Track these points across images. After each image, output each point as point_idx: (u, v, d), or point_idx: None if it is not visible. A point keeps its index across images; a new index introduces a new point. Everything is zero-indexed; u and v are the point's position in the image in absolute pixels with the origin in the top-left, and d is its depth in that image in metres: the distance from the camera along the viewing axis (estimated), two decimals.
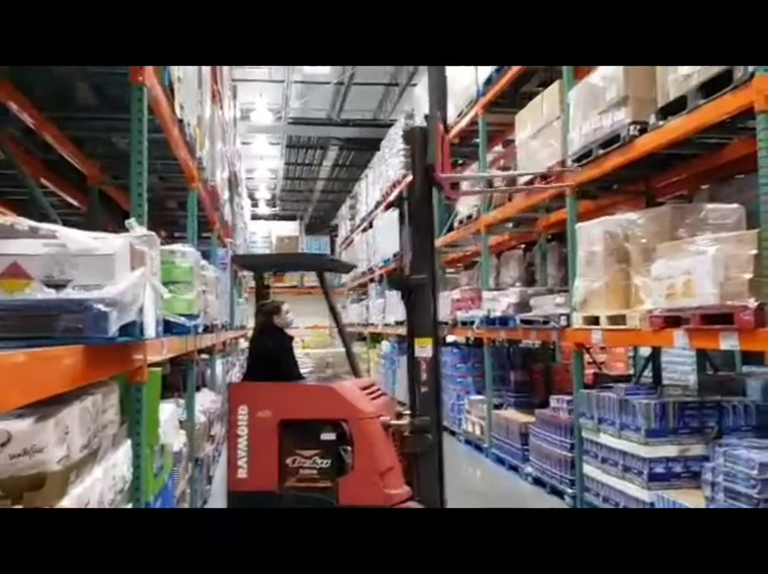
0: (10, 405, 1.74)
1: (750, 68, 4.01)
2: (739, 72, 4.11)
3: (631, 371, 9.73)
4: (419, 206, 4.90)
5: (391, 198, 14.30)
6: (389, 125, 15.87)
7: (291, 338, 5.05)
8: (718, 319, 4.20)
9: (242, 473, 4.46)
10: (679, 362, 9.81)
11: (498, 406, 8.83)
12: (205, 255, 6.48)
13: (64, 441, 2.14)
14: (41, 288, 2.37)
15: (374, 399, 4.72)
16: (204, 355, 8.02)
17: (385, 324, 15.16)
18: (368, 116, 19.17)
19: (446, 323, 9.87)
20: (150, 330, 2.74)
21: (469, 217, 9.61)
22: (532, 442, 7.33)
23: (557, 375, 8.85)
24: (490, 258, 9.71)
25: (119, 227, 6.19)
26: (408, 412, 4.86)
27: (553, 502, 6.59)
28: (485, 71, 8.54)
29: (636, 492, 5.10)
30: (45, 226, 2.57)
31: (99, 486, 2.44)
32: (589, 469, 5.94)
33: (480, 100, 8.71)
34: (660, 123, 4.99)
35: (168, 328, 3.84)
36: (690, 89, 4.59)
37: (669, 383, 7.89)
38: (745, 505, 4.10)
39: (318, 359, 16.13)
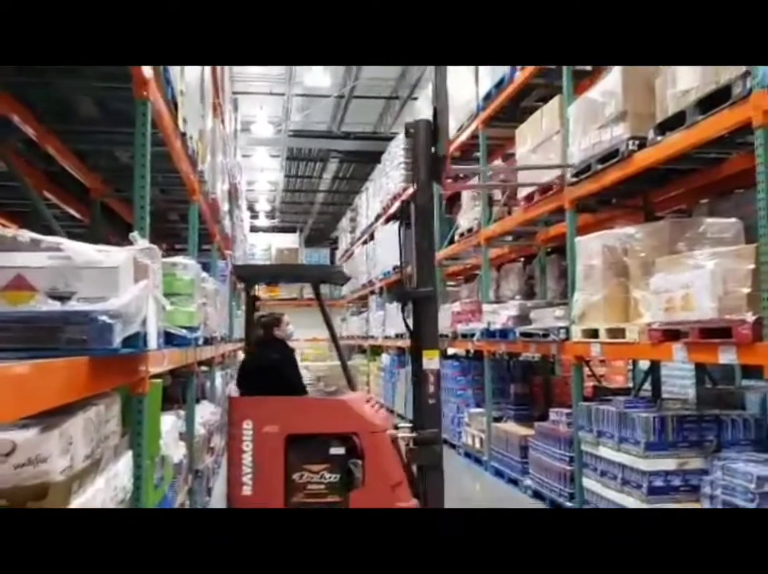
0: (16, 415, 1.76)
1: (748, 84, 4.06)
2: (738, 88, 4.15)
3: (630, 385, 9.73)
4: (424, 208, 4.83)
5: (392, 210, 14.35)
6: (389, 138, 15.95)
7: (293, 350, 5.05)
8: (716, 333, 4.22)
9: (246, 490, 4.38)
10: (679, 376, 9.82)
11: (497, 419, 8.84)
12: (206, 267, 6.52)
13: (68, 451, 2.15)
14: (45, 300, 2.40)
15: (375, 412, 4.73)
16: (203, 368, 8.03)
17: (386, 337, 15.17)
18: (368, 129, 19.27)
19: (446, 335, 9.89)
20: (153, 342, 2.77)
21: (469, 230, 9.65)
22: (532, 454, 7.33)
23: (556, 388, 8.85)
24: (490, 271, 9.75)
25: (122, 239, 6.24)
26: (407, 424, 4.86)
27: None
28: (485, 86, 8.61)
29: (635, 505, 5.10)
30: (49, 239, 2.60)
31: (100, 496, 2.45)
32: (589, 482, 5.95)
33: (480, 115, 8.77)
34: (659, 138, 5.03)
35: (169, 339, 3.86)
36: (688, 105, 4.63)
37: (668, 396, 7.89)
38: None
39: (312, 371, 16.07)
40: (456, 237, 10.33)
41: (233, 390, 8.98)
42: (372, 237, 17.30)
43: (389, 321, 14.89)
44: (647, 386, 7.58)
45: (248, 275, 5.63)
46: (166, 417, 4.60)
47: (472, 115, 9.07)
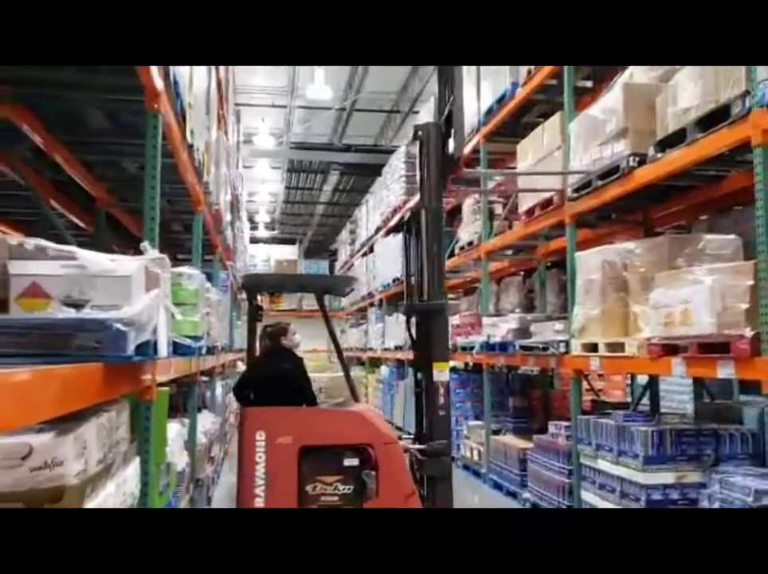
0: (33, 419, 1.80)
1: (748, 104, 4.13)
2: (737, 107, 4.23)
3: (628, 399, 9.77)
4: (435, 213, 4.77)
5: (392, 223, 14.41)
6: (390, 151, 16.04)
7: (302, 359, 5.03)
8: (715, 348, 4.28)
9: (259, 502, 4.32)
10: (677, 391, 9.85)
11: (496, 432, 8.87)
12: (208, 277, 6.56)
13: (83, 455, 2.20)
14: (60, 307, 2.45)
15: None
16: (203, 378, 8.07)
17: (385, 349, 15.19)
18: (369, 142, 19.37)
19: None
20: (164, 350, 2.82)
21: (470, 243, 9.72)
22: (530, 467, 7.36)
23: (555, 402, 8.90)
24: (490, 285, 9.80)
25: (126, 249, 6.29)
26: (408, 436, 4.89)
27: None
28: (486, 101, 8.72)
29: None
30: (64, 248, 2.66)
31: (111, 501, 2.49)
32: (587, 495, 5.98)
33: (482, 130, 8.86)
34: (659, 155, 5.10)
35: (174, 348, 3.90)
36: (688, 123, 4.71)
37: (666, 411, 7.93)
38: None
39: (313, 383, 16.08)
40: (457, 251, 10.40)
41: (232, 399, 9.00)
42: (372, 249, 17.36)
43: (388, 333, 14.93)
44: (645, 400, 7.63)
45: (253, 284, 5.62)
46: (171, 425, 4.64)
47: (474, 130, 9.15)
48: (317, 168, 21.19)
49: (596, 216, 6.76)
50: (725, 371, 4.24)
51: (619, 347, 5.45)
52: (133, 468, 2.98)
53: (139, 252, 3.08)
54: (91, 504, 2.26)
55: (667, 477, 5.05)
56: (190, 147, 4.91)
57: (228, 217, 9.53)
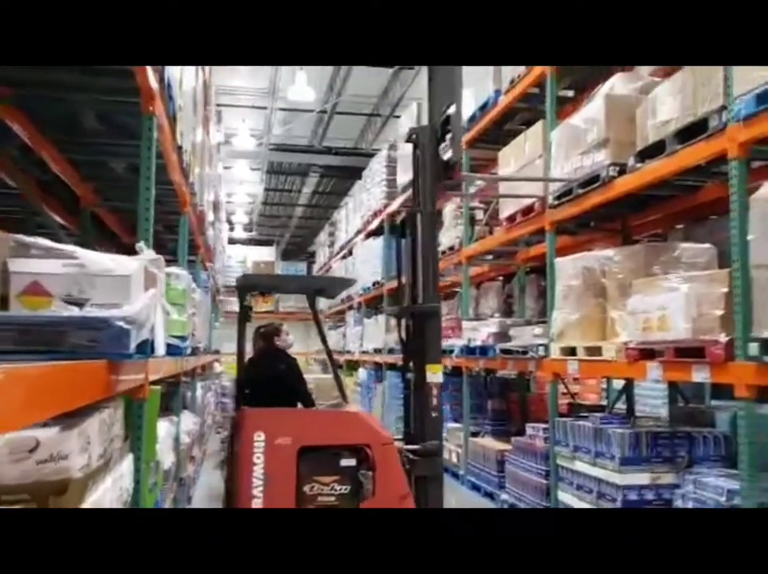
0: (41, 417, 1.85)
1: (724, 118, 4.28)
2: (714, 121, 4.37)
3: (603, 403, 9.94)
4: (430, 216, 4.79)
5: (372, 226, 14.49)
6: (371, 155, 16.11)
7: (296, 360, 5.05)
8: (691, 352, 4.42)
9: (257, 503, 4.30)
10: (651, 395, 10.03)
11: (475, 434, 8.99)
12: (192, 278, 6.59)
13: (87, 450, 2.26)
14: (63, 305, 2.51)
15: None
16: (185, 378, 8.08)
17: (363, 352, 15.24)
18: (350, 145, 19.45)
19: None
20: (161, 348, 2.88)
21: (451, 248, 9.82)
22: (508, 469, 7.48)
23: (532, 405, 9.02)
24: (470, 289, 9.91)
25: (109, 249, 6.29)
26: (397, 437, 4.96)
27: None
28: (469, 108, 8.80)
29: None
30: (65, 247, 2.71)
31: (109, 496, 2.55)
32: (565, 496, 6.10)
33: (465, 136, 8.96)
34: (639, 165, 5.22)
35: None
36: (668, 135, 4.85)
37: (641, 415, 8.09)
38: None
39: None
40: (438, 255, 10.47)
41: (211, 400, 8.98)
42: (351, 252, 17.40)
43: (366, 336, 14.98)
44: (620, 404, 7.78)
45: (248, 284, 5.60)
46: (161, 423, 4.68)
47: None
48: (297, 170, 21.22)
49: (576, 223, 6.90)
50: (700, 375, 4.38)
51: (597, 351, 5.58)
52: (127, 464, 3.03)
53: (124, 251, 3.13)
54: (92, 497, 2.32)
55: (642, 478, 5.18)
56: (179, 148, 4.96)
57: (210, 217, 9.56)
